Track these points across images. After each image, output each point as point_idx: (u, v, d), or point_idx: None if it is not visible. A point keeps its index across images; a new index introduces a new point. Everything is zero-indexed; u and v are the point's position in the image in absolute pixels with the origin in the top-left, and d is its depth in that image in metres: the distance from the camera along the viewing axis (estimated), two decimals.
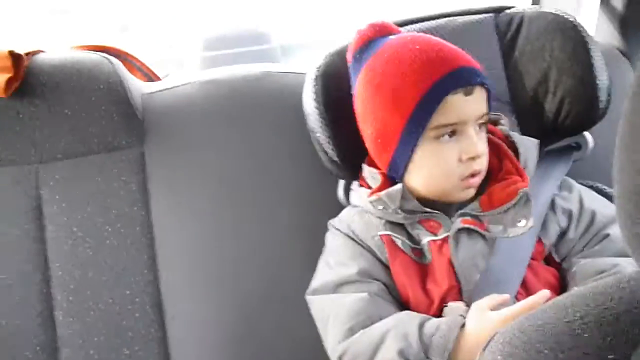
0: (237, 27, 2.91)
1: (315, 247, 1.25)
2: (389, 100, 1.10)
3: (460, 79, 1.09)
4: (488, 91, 1.13)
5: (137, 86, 1.43)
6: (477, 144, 1.10)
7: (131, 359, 1.32)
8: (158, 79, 1.56)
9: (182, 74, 1.54)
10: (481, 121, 1.12)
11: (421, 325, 1.03)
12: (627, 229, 0.49)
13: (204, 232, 1.36)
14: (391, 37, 1.19)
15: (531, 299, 0.99)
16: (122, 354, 1.32)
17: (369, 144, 1.17)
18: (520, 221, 1.09)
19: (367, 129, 1.15)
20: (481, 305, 1.02)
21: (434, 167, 1.11)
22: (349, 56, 1.21)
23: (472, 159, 1.10)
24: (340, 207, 1.29)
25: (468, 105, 1.09)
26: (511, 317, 0.98)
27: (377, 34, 1.19)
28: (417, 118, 1.08)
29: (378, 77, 1.12)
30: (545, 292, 1.00)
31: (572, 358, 0.51)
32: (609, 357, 0.50)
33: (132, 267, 1.33)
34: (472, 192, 1.13)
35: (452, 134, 1.10)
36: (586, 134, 1.31)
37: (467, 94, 1.08)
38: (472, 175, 1.12)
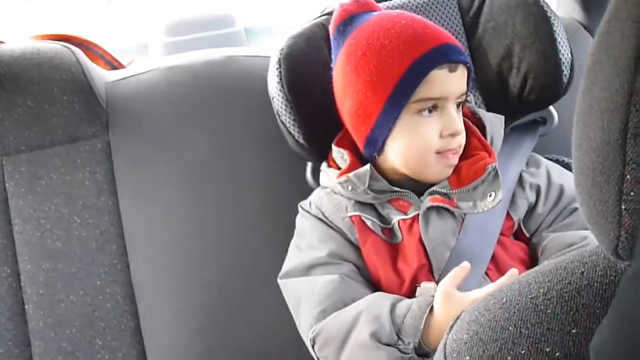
0: (201, 11, 2.86)
1: (285, 232, 1.24)
2: (374, 71, 1.09)
3: (446, 54, 1.09)
4: (469, 72, 1.14)
5: (100, 75, 1.42)
6: (458, 120, 1.11)
7: (104, 350, 1.31)
8: (122, 66, 1.54)
9: (146, 61, 1.52)
10: (460, 100, 1.13)
11: (393, 307, 1.03)
12: (585, 205, 0.49)
13: (172, 220, 1.35)
14: (374, 13, 1.18)
15: (500, 280, 1.00)
16: (95, 345, 1.31)
17: (347, 117, 1.15)
18: (490, 195, 1.09)
19: (347, 102, 1.14)
20: (446, 287, 1.01)
21: (414, 140, 1.10)
22: (332, 29, 1.20)
23: (452, 135, 1.10)
24: (310, 190, 1.29)
25: (451, 82, 1.10)
26: (477, 297, 0.97)
27: (360, 9, 1.19)
28: (402, 90, 1.08)
29: (363, 48, 1.11)
30: (514, 271, 1.00)
31: (536, 334, 0.52)
32: (572, 331, 0.51)
33: (101, 257, 1.32)
34: (449, 171, 1.13)
35: (433, 109, 1.10)
36: (551, 108, 1.32)
37: (452, 70, 1.09)
38: (451, 153, 1.12)
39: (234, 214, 1.36)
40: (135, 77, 1.43)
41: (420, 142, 1.10)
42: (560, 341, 0.51)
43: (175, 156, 1.37)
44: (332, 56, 1.20)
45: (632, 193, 0.44)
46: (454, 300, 0.99)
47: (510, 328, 0.53)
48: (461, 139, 1.13)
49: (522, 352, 0.51)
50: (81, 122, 1.33)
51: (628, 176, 0.44)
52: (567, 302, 0.52)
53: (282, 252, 1.22)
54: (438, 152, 1.11)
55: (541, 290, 0.54)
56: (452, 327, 0.58)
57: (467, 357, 0.53)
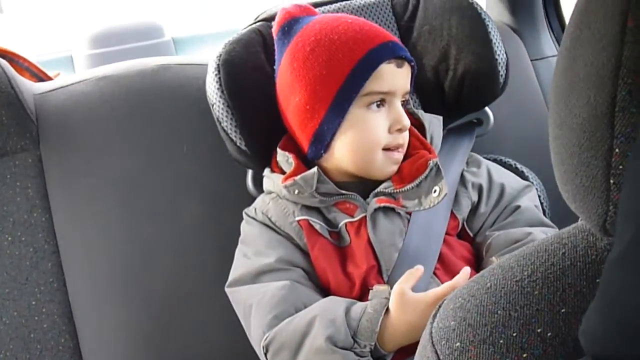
0: (126, 21, 2.80)
1: (228, 240, 1.22)
2: (324, 65, 1.10)
3: (393, 50, 1.11)
4: (412, 71, 1.16)
5: (28, 87, 1.36)
6: (406, 116, 1.12)
7: None
8: (49, 78, 1.49)
9: (75, 73, 1.48)
10: (404, 99, 1.14)
11: (347, 310, 1.02)
12: (570, 183, 0.49)
13: (109, 234, 1.31)
14: (315, 17, 1.19)
15: (455, 280, 1.00)
16: None
17: (294, 115, 1.14)
18: (434, 191, 1.10)
19: (293, 99, 1.13)
20: (401, 288, 1.01)
21: (363, 135, 1.11)
22: (275, 30, 1.20)
23: (400, 130, 1.12)
24: (249, 198, 1.27)
25: (399, 77, 1.12)
26: (435, 298, 0.99)
27: (303, 13, 1.20)
28: (351, 83, 1.08)
29: (311, 44, 1.12)
30: (467, 269, 1.02)
31: (526, 316, 0.52)
32: (562, 311, 0.51)
33: (36, 276, 1.27)
34: (395, 168, 1.14)
35: (381, 104, 1.11)
36: (487, 109, 1.35)
37: (399, 66, 1.11)
38: (397, 148, 1.13)
39: (174, 224, 1.33)
40: (65, 89, 1.38)
41: (369, 136, 1.11)
42: (550, 321, 0.51)
43: (110, 168, 1.33)
44: (276, 56, 1.19)
45: (620, 167, 0.45)
46: (410, 302, 1.00)
47: (499, 312, 0.53)
48: (407, 136, 1.14)
49: (514, 334, 0.51)
50: (10, 136, 1.28)
51: (617, 150, 0.45)
52: (553, 283, 0.53)
53: (226, 262, 1.19)
54: (385, 149, 1.12)
55: (525, 273, 0.54)
56: (435, 315, 0.57)
57: (458, 344, 0.52)
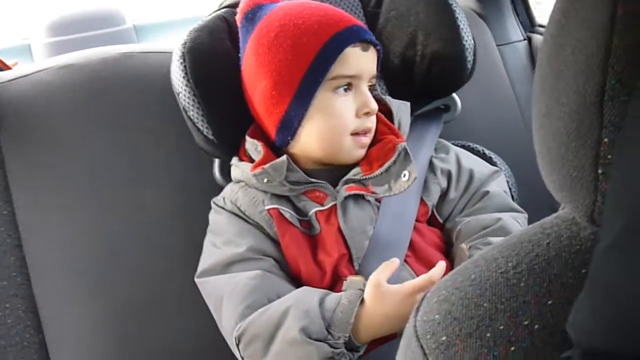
0: (86, 8, 2.73)
1: (195, 230, 1.21)
2: (289, 50, 1.09)
3: (358, 33, 1.11)
4: (378, 55, 1.15)
5: None
6: (373, 99, 1.11)
7: None
8: (7, 67, 1.45)
9: (34, 62, 1.44)
10: (371, 83, 1.14)
11: (321, 301, 1.01)
12: (557, 172, 0.49)
13: (74, 226, 1.28)
14: (279, 3, 1.18)
15: (431, 272, 1.00)
16: None
17: (260, 102, 1.13)
18: (403, 175, 1.10)
19: (259, 85, 1.12)
20: (377, 279, 1.00)
21: (330, 120, 1.10)
22: (239, 17, 1.18)
23: (367, 114, 1.11)
24: (216, 188, 1.26)
25: (364, 61, 1.11)
26: (411, 290, 0.99)
27: (266, 0, 1.18)
28: (317, 67, 1.08)
29: (276, 30, 1.11)
30: (442, 263, 1.01)
31: (512, 308, 0.51)
32: (549, 302, 0.51)
33: None
34: (362, 152, 1.13)
35: (348, 88, 1.11)
36: (454, 95, 1.35)
37: (364, 49, 1.11)
38: (365, 133, 1.12)
39: (141, 215, 1.31)
40: (25, 78, 1.34)
41: (336, 121, 1.10)
42: (538, 313, 0.51)
43: (74, 159, 1.30)
44: (241, 44, 1.18)
45: (609, 156, 0.44)
46: (386, 293, 0.99)
47: (484, 304, 0.52)
48: (374, 120, 1.14)
49: (501, 327, 0.51)
50: None
51: (605, 139, 0.44)
52: (539, 274, 0.52)
53: (195, 252, 1.18)
54: (353, 134, 1.11)
55: (510, 264, 0.54)
56: (418, 308, 0.56)
57: (444, 337, 0.52)
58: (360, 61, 1.10)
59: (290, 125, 1.11)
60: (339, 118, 1.10)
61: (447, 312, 0.53)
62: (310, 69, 1.08)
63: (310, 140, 1.12)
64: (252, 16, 1.16)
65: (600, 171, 0.45)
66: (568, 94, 0.46)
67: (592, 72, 0.44)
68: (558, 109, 0.47)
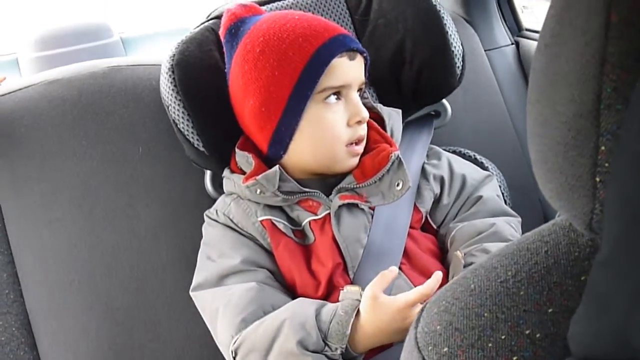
0: (73, 22, 2.72)
1: (189, 243, 1.21)
2: (275, 65, 1.07)
3: (344, 43, 1.09)
4: (365, 62, 1.14)
5: None
6: (363, 107, 1.11)
7: None
8: None
9: (21, 76, 1.43)
10: (360, 88, 1.13)
11: (317, 313, 1.01)
12: (555, 181, 0.49)
13: (65, 242, 1.27)
14: (262, 16, 1.17)
15: (426, 284, 0.99)
16: None
17: (250, 118, 1.12)
18: (397, 185, 1.10)
19: (248, 102, 1.11)
20: (374, 291, 1.00)
21: (323, 133, 1.09)
22: (223, 32, 1.17)
23: (359, 122, 1.11)
24: (208, 200, 1.25)
25: (352, 70, 1.10)
26: (405, 303, 0.98)
27: (248, 12, 1.17)
28: (305, 82, 1.07)
29: (260, 45, 1.09)
30: (438, 274, 1.00)
31: (513, 317, 0.51)
32: (549, 311, 0.51)
33: None
34: (356, 160, 1.13)
35: (338, 97, 1.10)
36: (444, 101, 1.35)
37: (351, 58, 1.10)
38: (357, 141, 1.12)
39: (132, 228, 1.30)
40: (14, 94, 1.33)
41: (329, 132, 1.10)
42: (539, 322, 0.51)
43: (64, 173, 1.29)
44: (226, 59, 1.17)
45: (606, 164, 0.44)
46: (382, 304, 0.99)
47: (485, 314, 0.52)
48: (365, 128, 1.14)
49: (502, 337, 0.50)
50: None
51: (602, 147, 0.44)
52: (538, 283, 0.52)
53: (188, 265, 1.18)
54: (347, 144, 1.11)
55: (509, 273, 0.53)
56: (418, 319, 0.56)
57: (446, 349, 0.51)
58: (348, 71, 1.09)
59: (281, 140, 1.11)
60: (331, 129, 1.09)
61: (448, 323, 0.53)
62: (298, 84, 1.07)
63: (303, 152, 1.12)
64: (235, 31, 1.15)
65: (598, 179, 0.45)
66: (564, 103, 0.46)
67: (588, 81, 0.44)
68: (554, 118, 0.47)
